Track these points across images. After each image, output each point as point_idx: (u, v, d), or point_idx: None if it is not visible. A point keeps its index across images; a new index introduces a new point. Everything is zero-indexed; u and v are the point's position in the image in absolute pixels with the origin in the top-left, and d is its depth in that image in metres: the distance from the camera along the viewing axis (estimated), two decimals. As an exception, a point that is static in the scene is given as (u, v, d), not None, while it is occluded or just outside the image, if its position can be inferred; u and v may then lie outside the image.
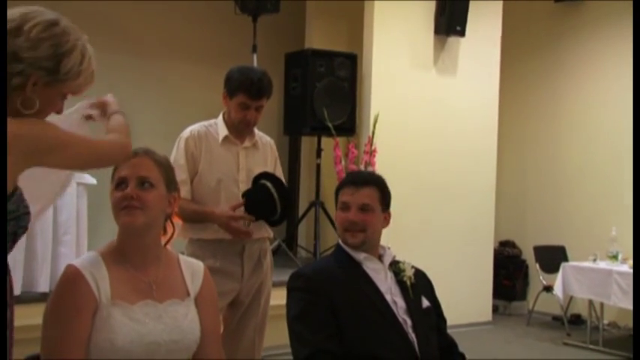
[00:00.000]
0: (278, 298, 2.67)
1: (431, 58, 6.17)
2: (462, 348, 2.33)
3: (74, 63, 1.58)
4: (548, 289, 6.23)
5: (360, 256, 2.20)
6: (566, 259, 6.30)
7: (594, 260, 5.78)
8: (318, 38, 6.55)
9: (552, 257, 6.38)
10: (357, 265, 2.19)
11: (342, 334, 2.05)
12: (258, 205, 2.89)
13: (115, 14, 5.98)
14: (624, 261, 5.62)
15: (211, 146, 2.95)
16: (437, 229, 6.12)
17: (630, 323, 5.98)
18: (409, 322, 2.13)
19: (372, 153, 5.51)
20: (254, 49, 5.80)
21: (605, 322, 5.97)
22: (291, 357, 2.11)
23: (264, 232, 3.03)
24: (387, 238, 2.36)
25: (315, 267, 2.32)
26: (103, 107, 1.92)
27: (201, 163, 2.93)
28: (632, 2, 5.81)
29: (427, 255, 4.79)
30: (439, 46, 6.20)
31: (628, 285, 5.29)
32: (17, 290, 3.50)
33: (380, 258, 2.24)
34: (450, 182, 6.20)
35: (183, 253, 2.07)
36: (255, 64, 5.57)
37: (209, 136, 2.97)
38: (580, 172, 6.76)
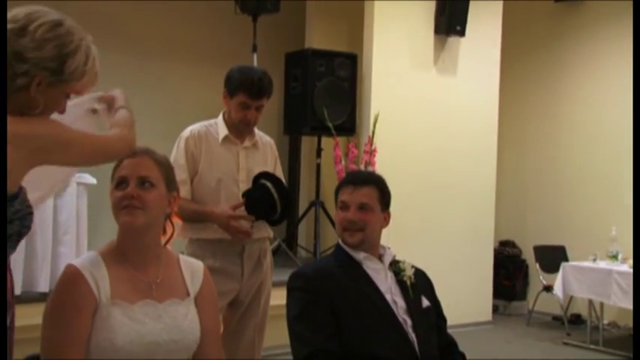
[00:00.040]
0: (278, 297, 2.67)
1: (431, 58, 6.17)
2: (462, 348, 2.33)
3: (78, 63, 1.59)
4: (548, 288, 6.23)
5: (360, 256, 2.20)
6: (566, 259, 6.30)
7: (594, 260, 5.78)
8: (318, 38, 6.55)
9: (552, 257, 6.39)
10: (357, 265, 2.19)
11: (342, 334, 2.05)
12: (258, 205, 2.89)
13: (115, 14, 5.98)
14: (624, 261, 5.62)
15: (211, 146, 2.95)
16: (437, 228, 6.12)
17: (630, 323, 5.98)
18: (409, 321, 2.13)
19: (372, 153, 5.51)
20: (254, 49, 5.80)
21: (605, 321, 5.97)
22: (291, 357, 2.11)
23: (264, 231, 3.03)
24: (387, 237, 2.36)
25: (315, 267, 2.32)
26: (110, 102, 1.91)
27: (201, 163, 2.93)
28: (632, 2, 5.81)
29: (427, 255, 4.80)
30: (439, 46, 6.20)
31: (628, 285, 5.29)
32: (17, 290, 3.50)
33: (380, 258, 2.24)
34: (450, 182, 6.20)
35: (183, 253, 2.07)
36: (255, 63, 5.57)
37: (209, 135, 2.97)
38: (580, 172, 6.76)
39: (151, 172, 1.78)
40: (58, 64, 1.55)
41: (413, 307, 2.17)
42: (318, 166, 6.10)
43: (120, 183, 1.77)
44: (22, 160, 1.50)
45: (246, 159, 2.98)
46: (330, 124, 5.52)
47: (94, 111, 1.92)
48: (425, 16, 6.09)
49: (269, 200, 2.90)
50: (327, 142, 5.93)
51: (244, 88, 2.87)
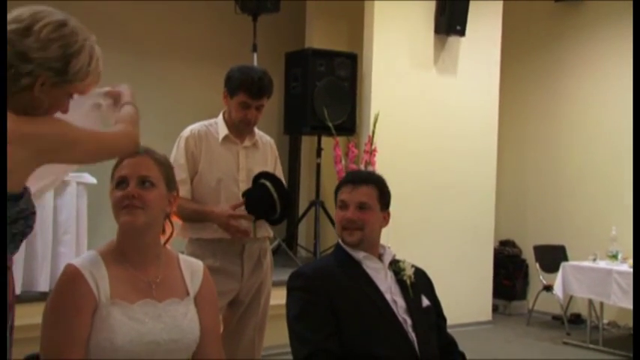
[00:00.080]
0: (278, 297, 2.67)
1: (431, 57, 6.17)
2: (461, 347, 2.33)
3: (82, 64, 1.59)
4: (548, 288, 6.23)
5: (360, 256, 2.20)
6: (566, 259, 6.30)
7: (594, 260, 5.78)
8: (318, 38, 6.55)
9: (552, 257, 6.39)
10: (357, 265, 2.19)
11: (341, 334, 2.05)
12: (258, 205, 2.89)
13: (115, 14, 5.98)
14: (624, 260, 5.62)
15: (211, 146, 2.95)
16: (437, 228, 6.13)
17: (630, 322, 5.98)
18: (409, 321, 2.13)
19: (372, 152, 5.51)
20: (254, 49, 5.80)
21: (605, 321, 5.97)
22: (291, 356, 2.11)
23: (264, 231, 3.03)
24: (387, 237, 2.36)
25: (315, 266, 2.31)
26: (116, 97, 1.91)
27: (201, 163, 2.93)
28: (632, 2, 5.81)
29: (427, 254, 4.79)
30: (439, 45, 6.20)
31: (628, 284, 5.29)
32: (17, 290, 3.49)
33: (380, 257, 2.24)
34: (450, 181, 6.20)
35: (182, 253, 2.07)
36: (255, 63, 5.57)
37: (209, 135, 2.97)
38: (580, 172, 6.76)
39: (151, 171, 1.78)
40: (63, 64, 1.55)
41: (413, 306, 2.17)
42: (318, 165, 6.10)
43: (120, 183, 1.77)
44: (30, 160, 1.50)
45: (246, 159, 2.98)
46: (330, 124, 5.53)
47: (99, 106, 1.91)
48: (425, 16, 6.10)
49: (269, 200, 2.91)
50: (327, 141, 5.94)
51: (244, 87, 2.87)
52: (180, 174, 2.82)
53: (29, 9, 1.55)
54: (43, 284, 4.05)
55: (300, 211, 6.32)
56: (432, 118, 6.13)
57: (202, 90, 5.94)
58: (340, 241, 2.25)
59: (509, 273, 7.00)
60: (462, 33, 6.10)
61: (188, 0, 6.37)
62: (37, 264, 4.05)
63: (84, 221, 4.34)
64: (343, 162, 5.46)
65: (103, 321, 1.66)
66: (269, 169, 3.02)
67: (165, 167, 1.84)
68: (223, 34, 6.51)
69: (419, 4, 6.05)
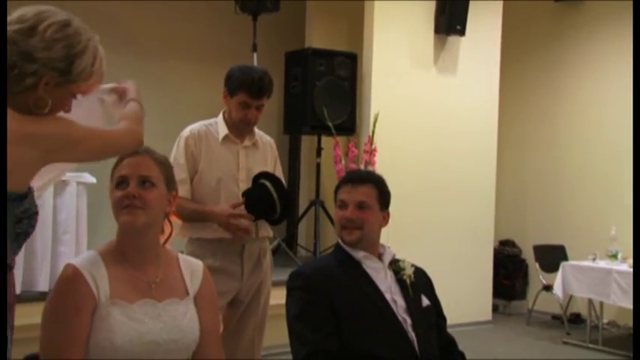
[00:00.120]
0: (278, 297, 2.67)
1: (431, 57, 6.17)
2: (461, 347, 2.33)
3: (86, 64, 1.59)
4: (548, 288, 6.23)
5: (360, 255, 2.20)
6: (565, 259, 6.30)
7: (594, 259, 5.78)
8: (318, 37, 6.55)
9: (552, 256, 6.39)
10: (357, 264, 2.19)
11: (341, 333, 2.05)
12: (258, 205, 2.89)
13: (115, 14, 5.98)
14: (624, 260, 5.62)
15: (211, 145, 2.95)
16: (437, 228, 6.13)
17: (630, 322, 5.98)
18: (409, 320, 2.13)
19: (372, 152, 5.51)
20: (254, 48, 5.80)
21: (605, 321, 5.97)
22: (290, 356, 2.11)
23: (264, 231, 3.03)
24: (387, 237, 2.36)
25: (315, 266, 2.31)
26: (122, 93, 1.91)
27: (201, 163, 2.93)
28: (632, 2, 5.81)
29: (427, 254, 4.78)
30: (439, 45, 6.20)
31: (627, 284, 5.29)
32: (17, 289, 3.50)
33: (380, 257, 2.24)
34: (449, 181, 6.20)
35: (182, 253, 2.07)
36: (255, 63, 5.57)
37: (209, 135, 2.97)
38: (579, 172, 6.76)
39: (151, 171, 1.78)
40: (67, 64, 1.55)
41: (413, 306, 2.17)
42: (318, 165, 6.10)
43: (120, 182, 1.76)
44: (37, 160, 1.51)
45: (246, 158, 2.98)
46: (330, 124, 5.52)
47: (102, 101, 1.91)
48: (425, 16, 6.10)
49: (269, 200, 2.91)
50: (327, 141, 5.93)
51: (245, 87, 2.87)
52: (180, 174, 2.82)
53: (33, 9, 1.55)
54: (43, 284, 4.05)
55: (300, 211, 6.32)
56: (431, 117, 6.13)
57: (202, 90, 5.94)
58: (340, 240, 2.25)
59: (509, 273, 7.00)
60: (461, 33, 6.10)
61: (188, 0, 6.37)
62: (36, 264, 4.05)
63: (84, 221, 4.34)
64: (343, 162, 5.46)
65: (102, 321, 1.66)
66: (269, 168, 3.02)
67: (165, 167, 1.84)
68: (223, 34, 6.51)
69: (419, 3, 6.05)
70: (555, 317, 6.56)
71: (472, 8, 6.08)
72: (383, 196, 2.26)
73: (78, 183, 4.24)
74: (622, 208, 6.21)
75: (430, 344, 2.16)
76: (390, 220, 2.30)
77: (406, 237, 5.31)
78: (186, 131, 2.99)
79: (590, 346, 5.66)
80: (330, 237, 5.51)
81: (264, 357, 3.17)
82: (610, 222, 6.00)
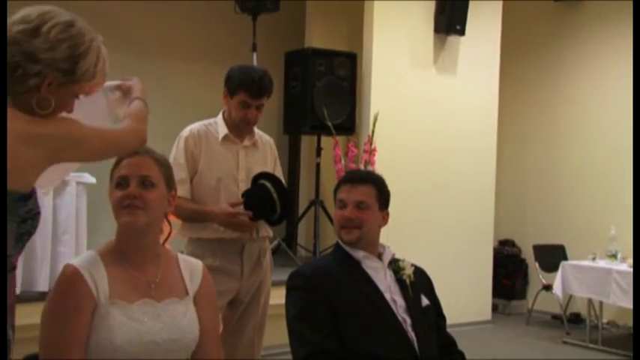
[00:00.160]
0: (277, 297, 2.67)
1: (431, 57, 6.17)
2: (461, 347, 2.33)
3: (90, 65, 1.59)
4: (548, 288, 6.23)
5: (359, 255, 2.20)
6: (565, 258, 6.30)
7: (593, 259, 5.78)
8: (318, 37, 6.55)
9: (552, 256, 6.39)
10: (356, 264, 2.19)
11: (341, 333, 2.05)
12: (258, 205, 2.89)
13: (115, 14, 5.98)
14: (623, 260, 5.62)
15: (211, 145, 2.95)
16: (436, 228, 6.13)
17: (629, 322, 5.99)
18: (408, 320, 2.13)
19: (371, 152, 5.51)
20: (254, 48, 5.80)
21: (604, 320, 5.97)
22: (290, 356, 2.11)
23: (264, 231, 3.03)
24: (387, 237, 2.36)
25: (314, 266, 2.32)
26: (127, 91, 1.91)
27: (200, 162, 2.93)
28: (631, 2, 5.81)
29: (427, 254, 4.78)
30: (439, 45, 6.20)
31: (627, 284, 5.29)
32: (17, 289, 3.50)
33: (379, 256, 2.25)
34: (449, 181, 6.20)
35: (182, 252, 2.07)
36: (255, 63, 5.57)
37: (209, 135, 2.97)
38: (579, 172, 6.76)
39: (151, 171, 1.78)
40: (70, 65, 1.55)
41: (412, 305, 2.17)
42: (318, 165, 6.10)
43: (120, 182, 1.76)
44: (44, 160, 1.52)
45: (245, 158, 2.98)
46: (329, 124, 5.52)
47: (106, 96, 1.91)
48: (425, 16, 6.10)
49: (269, 200, 2.91)
50: (326, 141, 5.93)
51: (245, 87, 2.87)
52: (180, 173, 2.82)
53: (37, 9, 1.55)
54: (43, 284, 4.05)
55: (300, 211, 6.32)
56: (431, 117, 6.14)
57: (202, 90, 5.94)
58: (339, 240, 2.25)
59: (509, 272, 7.00)
60: (461, 32, 6.11)
61: (188, 0, 6.37)
62: (36, 264, 4.05)
63: (83, 221, 4.34)
64: (343, 161, 5.46)
65: (102, 321, 1.66)
66: (268, 168, 3.02)
67: (165, 167, 1.84)
68: (223, 34, 6.51)
69: (419, 3, 6.05)
70: (555, 317, 6.56)
71: (472, 8, 6.08)
72: (382, 195, 2.26)
73: (77, 183, 4.24)
74: (622, 207, 6.21)
75: (430, 344, 2.16)
76: (390, 220, 2.30)
77: (406, 237, 5.31)
78: (185, 131, 2.99)
79: (590, 345, 5.66)
80: (330, 237, 5.51)
81: (263, 357, 3.17)
82: (609, 222, 6.00)
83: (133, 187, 1.75)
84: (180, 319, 1.76)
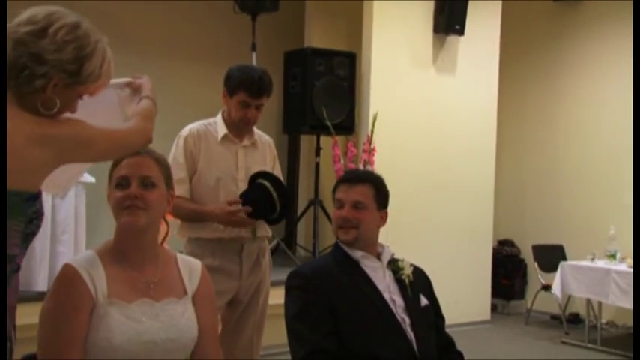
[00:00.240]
0: (276, 297, 2.67)
1: (430, 57, 6.17)
2: (460, 347, 2.33)
3: (95, 66, 1.59)
4: (547, 287, 6.23)
5: (358, 255, 2.20)
6: (564, 258, 6.30)
7: (592, 259, 5.78)
8: (317, 37, 6.55)
9: (551, 256, 6.39)
10: (355, 264, 2.20)
11: (340, 333, 2.05)
12: (257, 205, 2.89)
13: (114, 14, 5.97)
14: (622, 260, 5.62)
15: (210, 145, 2.95)
16: (436, 228, 6.13)
17: (628, 322, 5.99)
18: (408, 320, 2.14)
19: (370, 152, 5.51)
20: (253, 48, 5.80)
21: (603, 320, 5.97)
22: (289, 356, 2.11)
23: (263, 230, 3.03)
24: (386, 236, 2.36)
25: (313, 266, 2.32)
26: (137, 89, 1.91)
27: (200, 162, 2.93)
28: (631, 2, 5.82)
29: (426, 254, 4.79)
30: (438, 45, 6.20)
31: (626, 284, 5.29)
32: (16, 289, 3.49)
33: (378, 256, 2.25)
34: (448, 181, 6.21)
35: (181, 252, 2.07)
36: (254, 62, 5.57)
37: (208, 134, 2.97)
38: (578, 172, 6.77)
39: (152, 171, 1.78)
40: (77, 66, 1.55)
41: (411, 305, 2.17)
42: (317, 165, 6.10)
43: (121, 183, 1.76)
44: (53, 160, 1.52)
45: (245, 158, 2.98)
46: (329, 123, 5.52)
47: (117, 91, 1.91)
48: (424, 15, 6.10)
49: (268, 199, 2.91)
50: (326, 141, 5.94)
51: (244, 86, 2.87)
52: (179, 173, 2.82)
53: (43, 10, 1.55)
54: (42, 284, 4.05)
55: (299, 211, 6.32)
56: (430, 117, 6.14)
57: (201, 89, 5.94)
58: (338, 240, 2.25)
59: (508, 272, 7.00)
60: (460, 32, 6.11)
61: (187, 0, 6.37)
62: (35, 263, 4.05)
63: (82, 220, 4.34)
64: (342, 161, 5.46)
65: (100, 320, 1.66)
66: (268, 168, 3.02)
67: (165, 167, 1.85)
68: (222, 34, 6.50)
69: (418, 3, 6.05)
70: (554, 317, 6.56)
71: (471, 8, 6.08)
72: (380, 195, 2.26)
73: (77, 182, 4.24)
74: (621, 207, 6.22)
75: (429, 344, 2.16)
76: (389, 220, 2.30)
77: (405, 236, 5.31)
78: (185, 130, 2.99)
79: (589, 345, 5.66)
80: (329, 236, 5.50)
81: (262, 357, 3.17)
82: (609, 222, 6.00)
83: (134, 187, 1.74)
84: (178, 319, 1.76)
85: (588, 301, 5.89)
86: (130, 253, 1.77)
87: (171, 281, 1.82)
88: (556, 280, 5.87)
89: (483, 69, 6.47)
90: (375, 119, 5.53)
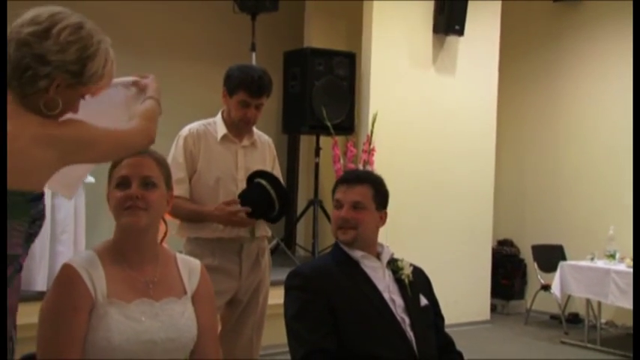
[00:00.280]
0: (276, 297, 2.67)
1: (430, 57, 6.17)
2: (459, 347, 2.33)
3: (98, 67, 1.59)
4: (546, 288, 6.23)
5: (358, 254, 2.20)
6: (564, 258, 6.30)
7: (592, 259, 5.78)
8: (317, 37, 6.55)
9: (550, 256, 6.39)
10: (355, 264, 2.19)
11: (339, 333, 2.05)
12: (256, 204, 2.89)
13: (114, 14, 5.97)
14: (622, 260, 5.63)
15: (210, 145, 2.95)
16: (435, 228, 6.13)
17: (627, 322, 5.99)
18: (407, 320, 2.13)
19: (370, 152, 5.51)
20: (253, 48, 5.80)
21: (603, 320, 5.97)
22: (289, 356, 2.11)
23: (263, 230, 3.03)
24: (386, 236, 2.36)
25: (313, 266, 2.32)
26: (142, 89, 1.91)
27: (199, 162, 2.93)
28: (631, 2, 5.82)
29: (425, 254, 4.80)
30: (438, 45, 6.20)
31: (625, 284, 5.30)
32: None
33: (378, 256, 2.24)
34: (448, 181, 6.21)
35: (181, 252, 2.07)
36: (254, 62, 5.57)
37: (208, 134, 2.97)
38: (578, 172, 6.77)
39: (153, 171, 1.78)
40: (79, 67, 1.56)
41: (411, 305, 2.17)
42: (317, 165, 6.10)
43: (121, 183, 1.76)
44: (58, 161, 1.52)
45: (244, 158, 2.98)
46: (328, 123, 5.52)
47: (125, 89, 1.91)
48: (423, 16, 6.10)
49: (267, 198, 2.90)
50: (325, 141, 5.94)
51: (244, 86, 2.87)
52: (179, 173, 2.82)
53: (46, 10, 1.55)
54: (41, 283, 4.04)
55: (299, 211, 6.32)
56: (430, 117, 6.14)
57: (201, 89, 5.93)
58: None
59: (508, 272, 7.01)
60: (460, 32, 6.11)
61: (187, 0, 6.36)
62: (34, 263, 4.04)
63: (82, 220, 4.34)
64: (342, 161, 5.46)
65: (99, 320, 1.66)
66: (267, 168, 3.02)
67: (165, 167, 1.85)
68: (222, 34, 6.50)
69: (417, 3, 6.05)
70: (553, 317, 6.57)
71: (471, 8, 6.08)
72: (379, 195, 2.26)
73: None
74: (620, 207, 6.22)
75: (428, 344, 2.16)
76: (389, 220, 2.30)
77: (405, 236, 5.32)
78: (184, 130, 2.99)
79: (589, 345, 5.66)
80: (329, 236, 5.49)
81: (262, 357, 3.17)
82: (608, 222, 6.00)
83: (135, 187, 1.74)
84: (178, 319, 1.76)
85: (588, 301, 5.89)
86: (129, 253, 1.77)
87: (170, 281, 1.81)
88: (555, 280, 5.87)
89: (483, 69, 6.47)
90: (374, 119, 5.53)
